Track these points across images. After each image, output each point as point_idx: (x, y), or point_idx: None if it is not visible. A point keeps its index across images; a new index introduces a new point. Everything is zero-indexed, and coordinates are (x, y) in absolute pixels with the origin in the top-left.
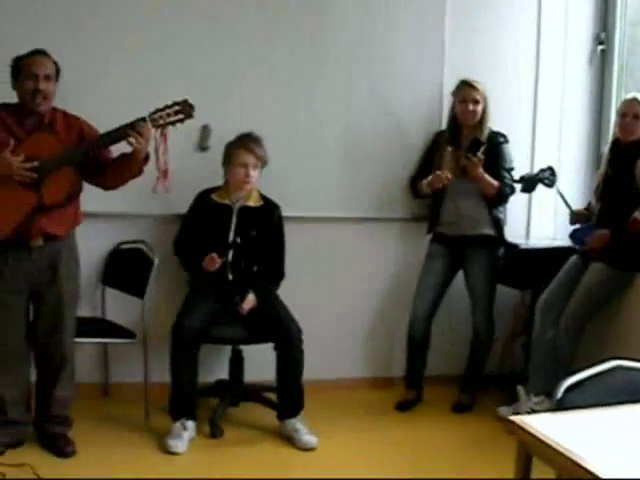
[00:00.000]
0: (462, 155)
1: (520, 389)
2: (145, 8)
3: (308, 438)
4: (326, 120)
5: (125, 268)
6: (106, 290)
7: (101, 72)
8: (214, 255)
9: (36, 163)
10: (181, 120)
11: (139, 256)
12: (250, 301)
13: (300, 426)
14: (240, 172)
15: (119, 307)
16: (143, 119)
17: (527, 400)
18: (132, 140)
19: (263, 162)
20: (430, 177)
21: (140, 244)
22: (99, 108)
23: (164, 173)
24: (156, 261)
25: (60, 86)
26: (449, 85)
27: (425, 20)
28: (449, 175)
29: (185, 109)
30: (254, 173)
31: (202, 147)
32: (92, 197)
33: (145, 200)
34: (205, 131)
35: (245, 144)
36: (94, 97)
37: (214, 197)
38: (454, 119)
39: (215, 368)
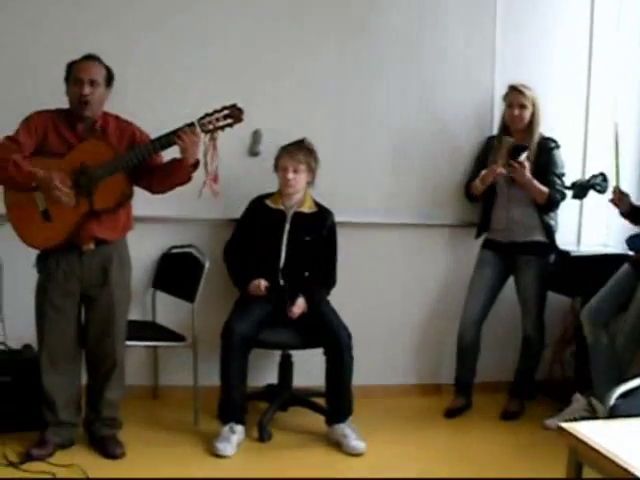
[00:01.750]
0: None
1: (578, 397)
2: (196, 13)
3: (356, 443)
4: (376, 125)
5: (176, 272)
6: (157, 294)
7: (151, 77)
8: (261, 281)
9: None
10: (230, 124)
11: (190, 260)
12: (300, 305)
13: (349, 431)
14: (282, 175)
15: (169, 311)
16: (192, 124)
17: (584, 407)
18: (181, 143)
19: (308, 166)
20: (483, 172)
21: (191, 248)
22: (149, 113)
23: (213, 178)
24: (206, 265)
25: (112, 91)
26: (500, 90)
27: (475, 24)
28: (502, 170)
29: (234, 113)
30: (295, 176)
31: (253, 152)
32: (144, 202)
33: (196, 205)
34: (256, 136)
35: (287, 148)
36: (144, 102)
37: (268, 202)
38: (504, 124)
39: (265, 372)
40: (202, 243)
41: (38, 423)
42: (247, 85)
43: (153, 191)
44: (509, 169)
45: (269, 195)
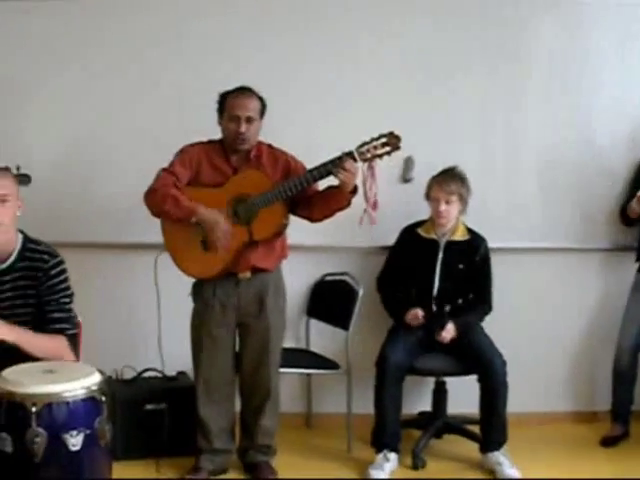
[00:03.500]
0: None
1: None
2: (350, 43)
3: (510, 472)
4: (525, 149)
5: (330, 300)
6: (311, 321)
7: (305, 105)
8: (419, 311)
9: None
10: (388, 153)
11: (344, 288)
12: (450, 330)
13: (503, 459)
14: (433, 206)
15: (323, 338)
16: (350, 153)
17: None
18: (340, 175)
19: (460, 197)
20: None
21: (345, 276)
22: (303, 142)
23: (373, 205)
24: (360, 293)
25: (267, 119)
26: None
27: (629, 44)
28: None
29: (392, 141)
30: (447, 207)
31: (406, 179)
32: (297, 229)
33: (349, 232)
34: (408, 163)
35: (438, 179)
36: (300, 130)
37: (420, 232)
38: None
39: (418, 399)
40: (355, 270)
41: (192, 449)
42: (399, 112)
43: (313, 219)
44: None
45: (421, 223)
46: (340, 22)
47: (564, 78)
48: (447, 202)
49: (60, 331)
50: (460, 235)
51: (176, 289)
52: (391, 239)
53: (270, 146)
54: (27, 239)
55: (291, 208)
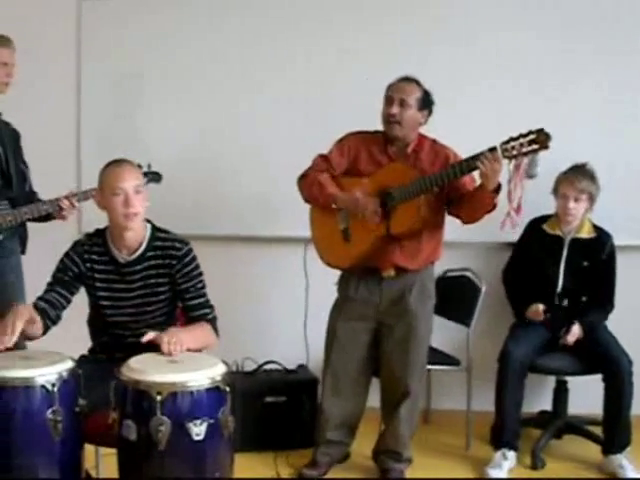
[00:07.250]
0: None
1: None
2: (496, 40)
3: (633, 476)
4: None
5: (451, 296)
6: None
7: (455, 98)
8: (540, 306)
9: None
10: (535, 151)
11: (465, 284)
12: (575, 333)
13: (625, 463)
14: (561, 203)
15: (444, 334)
16: (494, 149)
17: None
18: (482, 170)
19: (589, 195)
20: None
21: (467, 272)
22: (453, 135)
23: (516, 209)
24: (483, 289)
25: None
26: None
27: None
28: None
29: (541, 139)
30: (575, 205)
31: (530, 175)
32: None
33: (471, 228)
34: (533, 159)
35: (569, 175)
36: (448, 123)
37: (545, 227)
38: None
39: (538, 398)
40: (477, 266)
41: (310, 442)
42: (521, 108)
43: (463, 220)
44: None
45: (546, 218)
46: (474, 27)
47: None
48: (576, 200)
49: (202, 317)
50: (586, 232)
51: (322, 280)
52: (513, 235)
53: (434, 141)
54: (155, 228)
55: (447, 206)
